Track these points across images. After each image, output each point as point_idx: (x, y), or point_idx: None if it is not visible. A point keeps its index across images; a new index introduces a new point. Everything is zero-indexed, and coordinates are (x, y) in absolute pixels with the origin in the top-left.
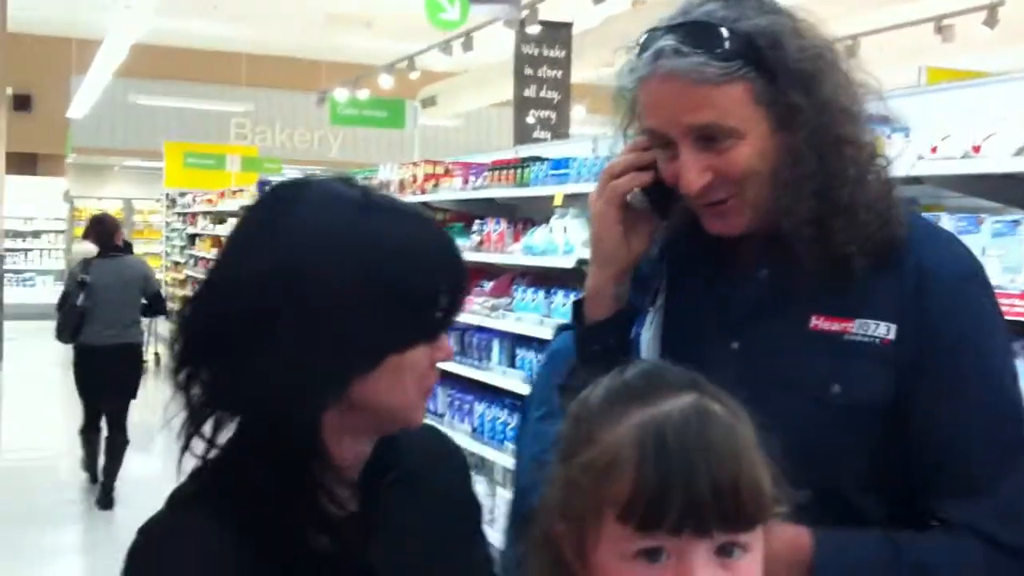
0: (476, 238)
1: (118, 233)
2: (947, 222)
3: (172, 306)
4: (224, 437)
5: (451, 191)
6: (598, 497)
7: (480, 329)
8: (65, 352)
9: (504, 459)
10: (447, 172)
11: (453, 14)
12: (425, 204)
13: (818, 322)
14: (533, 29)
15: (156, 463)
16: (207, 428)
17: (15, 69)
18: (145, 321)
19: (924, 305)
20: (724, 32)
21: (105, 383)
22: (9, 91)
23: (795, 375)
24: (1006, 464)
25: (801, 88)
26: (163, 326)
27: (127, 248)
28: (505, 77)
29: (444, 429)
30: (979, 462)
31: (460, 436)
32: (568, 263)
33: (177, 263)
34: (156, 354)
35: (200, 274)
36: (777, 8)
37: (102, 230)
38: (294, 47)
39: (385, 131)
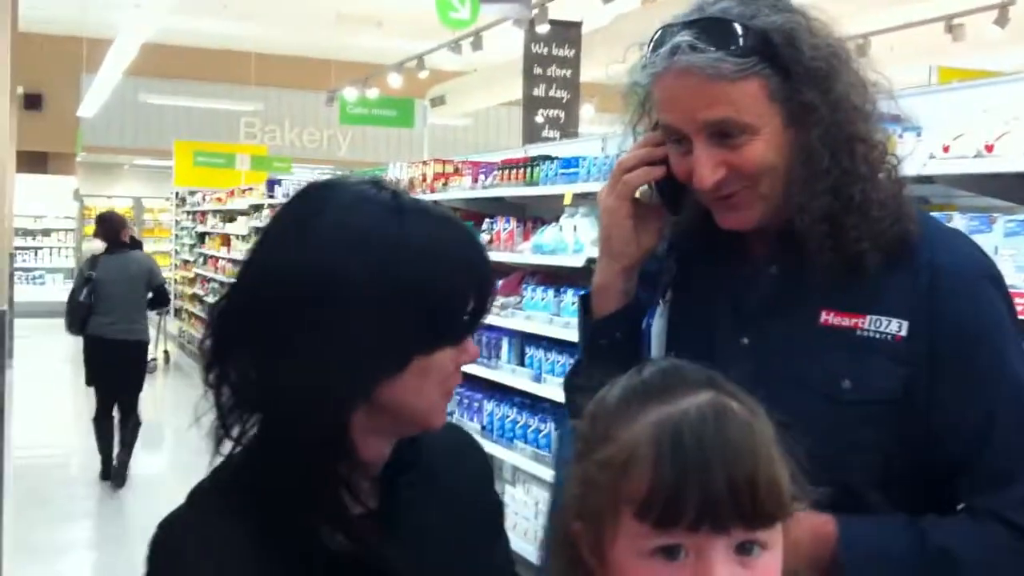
0: (485, 237)
1: (124, 230)
2: (959, 221)
3: (181, 304)
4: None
5: (460, 190)
6: (615, 495)
7: (489, 328)
8: (75, 350)
9: (514, 458)
10: (456, 171)
11: (464, 13)
12: (434, 203)
13: (828, 318)
14: (543, 28)
15: (165, 459)
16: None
17: (26, 68)
18: (154, 319)
19: (938, 303)
20: (739, 29)
21: (112, 374)
22: (20, 90)
23: (805, 370)
24: None
25: (815, 86)
26: (172, 324)
27: (135, 244)
28: (514, 76)
29: None
30: (1004, 454)
31: None
32: (578, 262)
33: (187, 261)
34: (166, 351)
35: (210, 272)
36: (791, 6)
37: (108, 227)
38: (304, 46)
39: (394, 130)
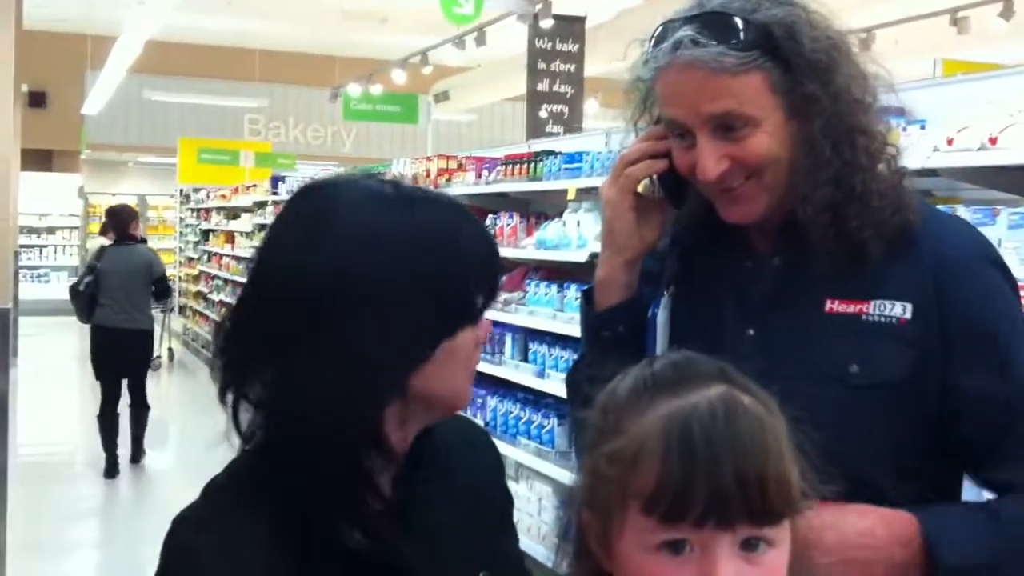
0: None
1: (134, 223)
2: (963, 214)
3: (185, 302)
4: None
5: (464, 185)
6: (623, 488)
7: (493, 323)
8: (80, 347)
9: (517, 454)
10: (460, 167)
11: (467, 8)
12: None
13: (833, 306)
14: (546, 23)
15: (170, 457)
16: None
17: (30, 66)
18: (158, 317)
19: (945, 287)
20: (740, 23)
21: (119, 362)
22: (24, 88)
23: (813, 357)
24: None
25: (816, 78)
26: (176, 322)
27: (141, 240)
28: (518, 71)
29: None
30: None
31: None
32: (581, 257)
33: (191, 258)
34: (170, 349)
35: (214, 269)
36: (791, 0)
37: (118, 220)
38: (308, 42)
39: (398, 126)
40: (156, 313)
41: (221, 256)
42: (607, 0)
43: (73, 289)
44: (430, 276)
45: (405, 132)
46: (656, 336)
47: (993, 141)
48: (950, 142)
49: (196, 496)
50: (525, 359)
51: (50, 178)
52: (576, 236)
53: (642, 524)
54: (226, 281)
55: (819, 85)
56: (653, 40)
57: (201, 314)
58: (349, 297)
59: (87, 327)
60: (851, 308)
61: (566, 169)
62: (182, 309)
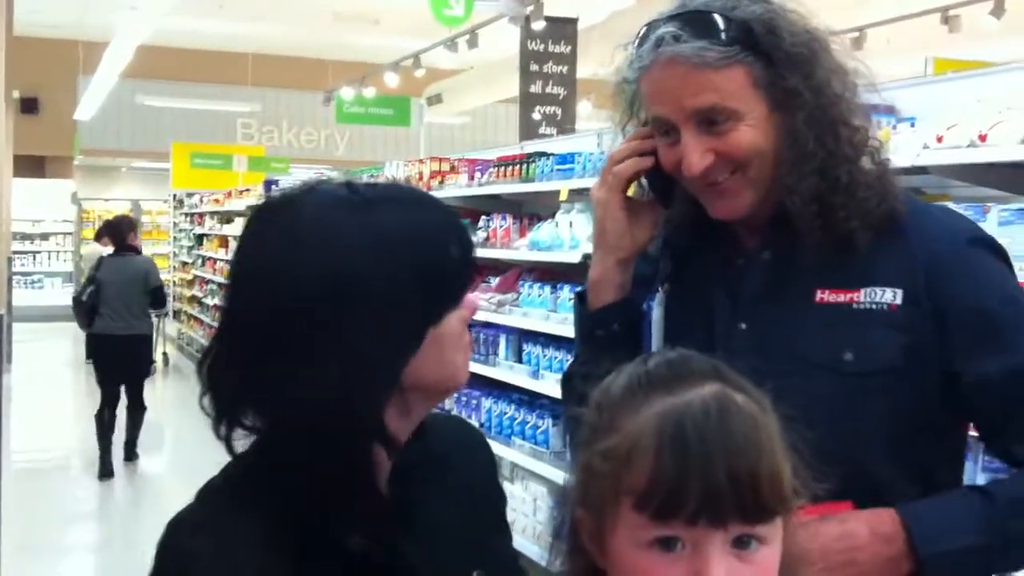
0: (482, 234)
1: (132, 234)
2: None
3: (180, 306)
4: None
5: (457, 187)
6: (616, 484)
7: (487, 325)
8: (74, 353)
9: (512, 454)
10: (453, 169)
11: (458, 10)
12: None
13: (824, 296)
14: (538, 25)
15: (165, 461)
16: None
17: (22, 72)
18: (155, 321)
19: (935, 275)
20: (721, 21)
21: (117, 368)
22: (16, 94)
23: (806, 347)
24: None
25: (797, 71)
26: (171, 327)
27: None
28: (511, 74)
29: None
30: None
31: None
32: (574, 258)
33: (185, 263)
34: (165, 354)
35: (208, 274)
36: None
37: (115, 231)
38: (300, 46)
39: (391, 129)
40: (152, 318)
41: (215, 260)
42: (599, 2)
43: (76, 299)
44: (406, 268)
45: (398, 135)
46: (651, 335)
47: (983, 138)
48: (940, 139)
49: (191, 499)
50: (519, 360)
51: (43, 184)
52: (569, 237)
53: (635, 521)
54: (220, 285)
55: (800, 78)
56: (637, 41)
57: (195, 318)
58: (337, 300)
59: (81, 333)
60: (842, 297)
61: (558, 170)
62: (176, 313)
